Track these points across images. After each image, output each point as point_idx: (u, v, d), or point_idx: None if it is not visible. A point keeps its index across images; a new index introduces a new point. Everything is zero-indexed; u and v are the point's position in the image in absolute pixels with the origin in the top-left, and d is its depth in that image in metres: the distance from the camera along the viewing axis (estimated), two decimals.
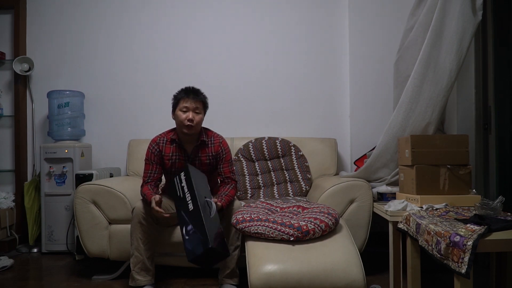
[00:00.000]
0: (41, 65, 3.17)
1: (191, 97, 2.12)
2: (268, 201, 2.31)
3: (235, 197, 2.23)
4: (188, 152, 2.19)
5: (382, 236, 2.25)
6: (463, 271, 1.30)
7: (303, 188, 2.72)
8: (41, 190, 2.86)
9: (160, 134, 2.24)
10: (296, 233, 1.80)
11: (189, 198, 1.87)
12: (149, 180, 2.16)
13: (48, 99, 2.99)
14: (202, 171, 2.21)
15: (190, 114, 2.10)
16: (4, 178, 3.17)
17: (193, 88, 2.18)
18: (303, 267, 1.66)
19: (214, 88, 3.08)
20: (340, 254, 1.75)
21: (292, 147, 2.86)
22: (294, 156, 2.83)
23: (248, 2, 3.17)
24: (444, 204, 1.89)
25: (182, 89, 2.17)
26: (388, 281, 2.06)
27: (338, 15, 3.12)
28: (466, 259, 1.30)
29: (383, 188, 2.28)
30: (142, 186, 2.16)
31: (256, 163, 2.84)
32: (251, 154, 2.85)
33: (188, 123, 2.10)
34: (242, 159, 2.84)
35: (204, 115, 2.20)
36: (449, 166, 1.96)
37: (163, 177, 2.30)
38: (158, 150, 2.19)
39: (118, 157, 3.13)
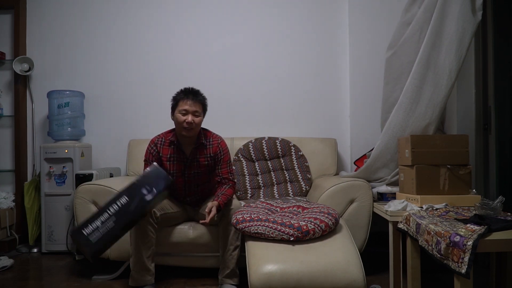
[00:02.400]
0: (41, 65, 3.17)
1: (190, 99, 2.10)
2: (268, 201, 2.31)
3: (234, 196, 2.23)
4: (186, 154, 2.19)
5: (382, 236, 2.25)
6: (463, 271, 1.30)
7: (303, 188, 2.72)
8: (41, 190, 2.86)
9: (159, 135, 2.24)
10: (296, 233, 1.80)
11: (113, 206, 1.73)
12: None
13: (48, 99, 2.99)
14: (200, 172, 2.20)
15: (189, 117, 2.09)
16: (4, 178, 3.17)
17: (192, 89, 2.16)
18: (303, 267, 1.66)
19: (214, 88, 3.08)
20: (340, 254, 1.75)
21: (292, 147, 2.86)
22: (294, 156, 2.83)
23: (248, 2, 3.17)
24: (444, 204, 1.89)
25: (181, 90, 2.16)
26: (388, 281, 2.06)
27: (338, 15, 3.12)
28: (466, 259, 1.30)
29: (383, 188, 2.28)
30: None
31: (256, 163, 2.84)
32: (251, 154, 2.85)
33: (187, 126, 2.09)
34: (242, 159, 2.84)
35: (204, 117, 2.19)
36: (449, 166, 1.96)
37: None
38: (156, 150, 2.19)
39: (118, 157, 3.13)
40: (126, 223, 1.73)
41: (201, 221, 2.02)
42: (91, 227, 1.61)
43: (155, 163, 1.94)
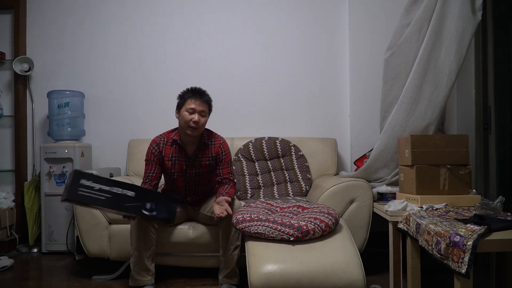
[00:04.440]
0: (41, 65, 3.17)
1: (198, 98, 2.11)
2: (268, 201, 2.31)
3: (234, 196, 2.23)
4: (188, 154, 2.19)
5: (382, 236, 2.25)
6: (463, 271, 1.30)
7: (303, 188, 2.72)
8: (41, 190, 2.86)
9: (161, 135, 2.24)
10: (296, 233, 1.80)
11: (119, 189, 1.74)
12: (147, 180, 2.17)
13: (48, 99, 2.99)
14: (201, 172, 2.21)
15: (196, 116, 2.09)
16: (4, 178, 3.17)
17: (199, 89, 2.17)
18: (303, 267, 1.66)
19: (214, 88, 3.05)
20: (340, 254, 1.75)
21: (292, 147, 2.86)
22: (294, 156, 2.84)
23: (248, 3, 3.17)
24: (444, 204, 1.89)
25: (188, 89, 2.17)
26: (388, 281, 2.06)
27: (338, 15, 3.12)
28: (466, 259, 1.30)
29: (383, 188, 2.28)
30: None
31: (256, 163, 2.84)
32: (251, 154, 2.85)
33: (193, 125, 2.09)
34: (242, 159, 2.84)
35: (208, 118, 2.20)
36: (449, 166, 1.96)
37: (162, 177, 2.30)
38: (158, 150, 2.19)
39: (118, 157, 3.13)
40: (111, 207, 1.74)
41: (217, 216, 1.99)
42: (88, 183, 1.61)
43: (176, 196, 2.02)
